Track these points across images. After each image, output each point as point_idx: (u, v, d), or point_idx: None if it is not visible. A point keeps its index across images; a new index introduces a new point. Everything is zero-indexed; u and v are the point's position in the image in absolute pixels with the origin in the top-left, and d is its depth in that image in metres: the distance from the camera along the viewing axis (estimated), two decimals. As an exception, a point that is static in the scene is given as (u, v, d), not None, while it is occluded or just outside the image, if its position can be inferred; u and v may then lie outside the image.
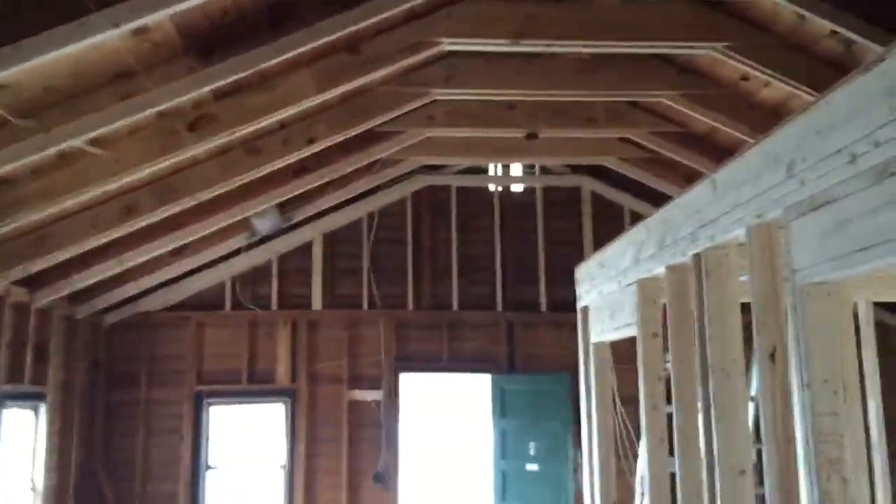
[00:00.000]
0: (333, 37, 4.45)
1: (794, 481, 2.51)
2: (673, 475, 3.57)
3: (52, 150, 4.21)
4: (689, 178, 7.80)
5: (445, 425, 12.53)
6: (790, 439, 2.54)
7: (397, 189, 8.53)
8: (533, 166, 8.82)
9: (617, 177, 8.49)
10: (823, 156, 2.16)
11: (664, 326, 3.68)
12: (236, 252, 8.11)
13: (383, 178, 8.00)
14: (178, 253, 7.30)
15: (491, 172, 8.82)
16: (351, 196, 8.14)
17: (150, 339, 8.13)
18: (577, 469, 7.95)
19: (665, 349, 3.83)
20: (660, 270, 3.61)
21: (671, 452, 3.65)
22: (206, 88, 4.33)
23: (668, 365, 3.84)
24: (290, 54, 4.38)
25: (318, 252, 8.41)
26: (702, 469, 3.18)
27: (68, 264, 6.22)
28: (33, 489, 6.61)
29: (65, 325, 7.10)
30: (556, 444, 8.03)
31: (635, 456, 6.24)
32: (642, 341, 3.80)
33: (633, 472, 6.24)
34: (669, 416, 3.57)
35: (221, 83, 4.38)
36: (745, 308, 3.01)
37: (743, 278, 2.99)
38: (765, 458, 2.61)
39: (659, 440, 3.73)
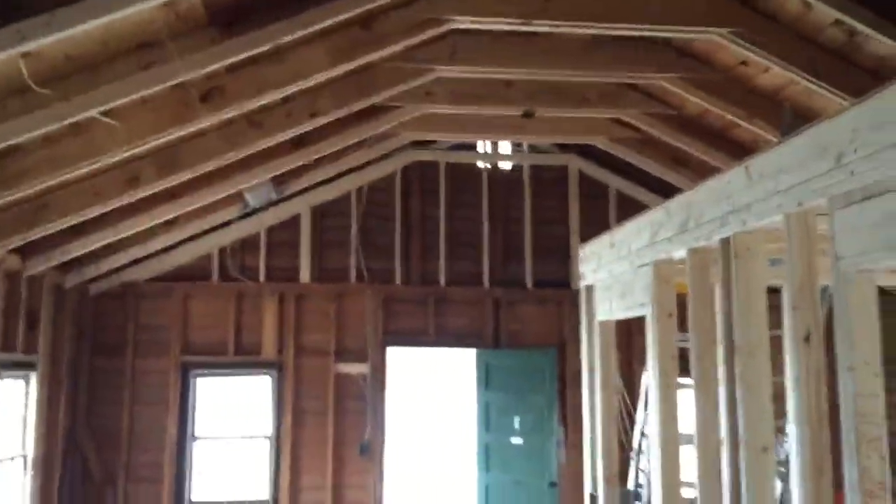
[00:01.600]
0: (352, 13, 4.47)
1: (826, 458, 2.64)
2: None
3: (70, 120, 4.16)
4: (677, 159, 7.96)
5: (431, 399, 12.66)
6: (822, 418, 2.66)
7: (387, 164, 8.54)
8: (521, 144, 8.89)
9: (604, 156, 8.60)
10: (878, 148, 2.26)
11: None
12: (224, 224, 8.07)
13: (374, 152, 8.01)
14: (169, 224, 7.26)
15: (480, 149, 8.87)
16: (341, 170, 8.14)
17: (135, 309, 8.08)
18: (560, 443, 8.13)
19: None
20: (679, 253, 3.71)
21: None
22: (227, 61, 4.31)
23: (681, 344, 3.97)
24: (309, 29, 4.39)
25: (306, 225, 8.41)
26: (720, 446, 3.30)
27: (62, 233, 6.16)
28: (24, 458, 6.58)
29: (54, 294, 7.04)
30: (541, 418, 8.19)
31: (630, 428, 6.42)
32: (657, 321, 3.91)
33: (629, 446, 6.41)
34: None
35: (239, 57, 4.38)
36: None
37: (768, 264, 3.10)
38: (794, 436, 2.73)
39: (671, 417, 3.86)
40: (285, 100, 5.70)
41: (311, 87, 5.60)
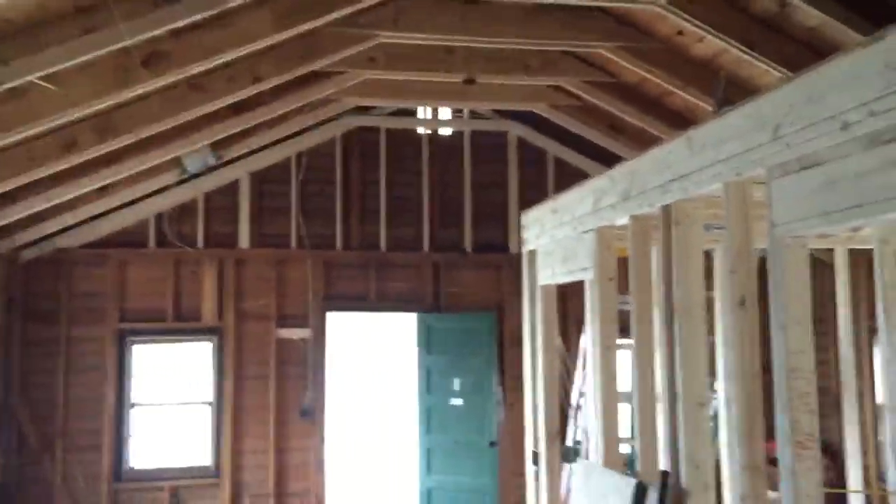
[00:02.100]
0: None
1: (759, 412, 2.83)
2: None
3: (8, 85, 4.06)
4: (614, 126, 8.14)
5: (372, 363, 12.77)
6: (756, 375, 2.84)
7: (327, 129, 8.52)
8: (461, 110, 8.96)
9: (542, 123, 8.73)
10: (813, 121, 2.41)
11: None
12: (161, 190, 7.95)
13: (314, 118, 7.97)
14: (103, 190, 7.12)
15: (420, 115, 8.90)
16: (281, 136, 8.08)
17: (69, 276, 7.93)
18: (499, 404, 8.34)
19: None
20: (621, 219, 3.85)
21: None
22: (171, 26, 4.25)
23: (619, 307, 4.13)
24: (254, -7, 4.36)
25: (245, 191, 8.35)
26: (658, 402, 3.49)
27: (-5, 199, 6.02)
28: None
29: (-15, 262, 6.88)
30: (480, 380, 8.38)
31: (569, 388, 6.65)
32: (599, 285, 4.07)
33: (568, 405, 6.63)
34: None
35: (184, 21, 4.32)
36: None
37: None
38: (729, 392, 2.91)
39: (611, 377, 4.03)
40: (227, 64, 5.63)
41: (253, 52, 5.55)
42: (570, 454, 5.78)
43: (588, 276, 4.25)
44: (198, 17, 4.35)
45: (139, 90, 4.99)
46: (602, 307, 4.05)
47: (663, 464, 3.34)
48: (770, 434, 2.79)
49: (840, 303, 5.01)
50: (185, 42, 4.82)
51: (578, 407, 6.31)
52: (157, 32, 4.35)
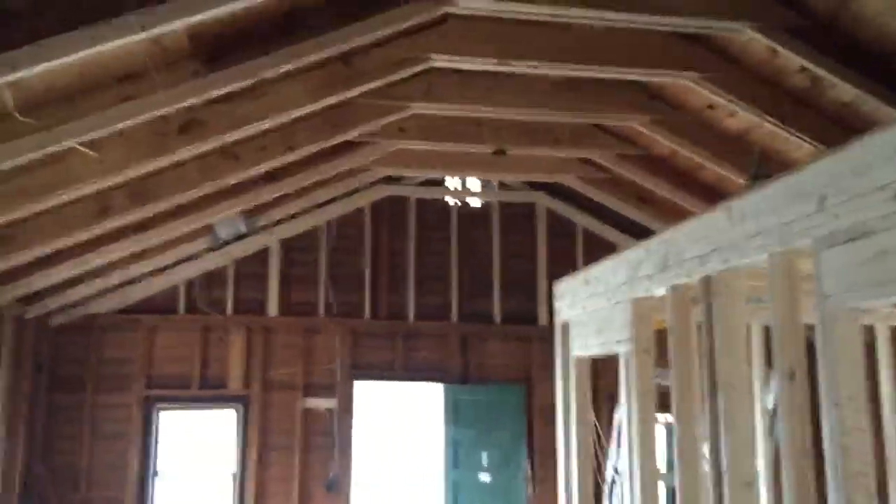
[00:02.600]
0: (335, 50, 4.51)
1: (811, 492, 2.69)
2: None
3: (49, 150, 4.12)
4: (643, 198, 8.11)
5: (398, 434, 12.58)
6: (807, 453, 2.72)
7: (356, 198, 8.57)
8: (490, 181, 8.99)
9: (571, 194, 8.73)
10: (861, 192, 2.35)
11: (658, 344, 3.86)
12: (192, 256, 7.99)
13: (344, 187, 8.03)
14: (135, 256, 7.16)
15: (449, 185, 8.94)
16: (310, 204, 8.13)
17: (98, 342, 7.94)
18: (528, 479, 8.13)
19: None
20: (658, 290, 3.78)
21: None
22: (209, 95, 4.31)
23: (657, 380, 4.02)
24: (291, 65, 4.42)
25: (275, 258, 8.37)
26: (704, 481, 3.35)
27: (27, 264, 6.04)
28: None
29: (15, 327, 6.88)
30: (509, 454, 8.19)
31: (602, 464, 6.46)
32: (634, 357, 3.97)
33: (601, 481, 6.44)
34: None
35: (220, 91, 4.38)
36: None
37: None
38: (783, 469, 2.78)
39: (650, 452, 3.90)
40: (261, 133, 5.70)
41: (287, 122, 5.61)
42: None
43: (623, 349, 4.15)
44: (235, 86, 4.40)
45: (176, 157, 5.03)
46: (639, 381, 3.94)
47: (708, 547, 3.19)
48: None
49: (883, 380, 4.86)
50: (220, 111, 4.88)
51: (613, 483, 6.13)
52: (193, 101, 4.41)
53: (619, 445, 6.13)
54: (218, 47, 4.14)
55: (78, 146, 4.33)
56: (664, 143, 6.53)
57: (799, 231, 2.68)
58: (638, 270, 3.93)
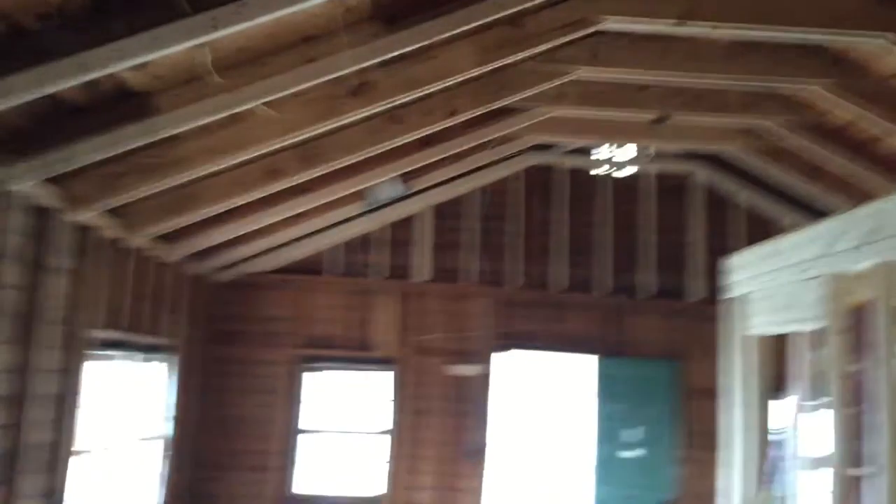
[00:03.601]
0: (508, 11, 4.42)
1: None
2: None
3: (235, 110, 4.24)
4: (811, 171, 7.65)
5: (546, 405, 12.56)
6: None
7: (507, 166, 8.49)
8: (645, 149, 8.70)
9: (731, 166, 8.35)
10: None
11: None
12: (347, 219, 8.15)
13: (498, 153, 7.96)
14: (297, 217, 7.35)
15: (602, 154, 8.72)
16: (462, 171, 8.12)
17: (257, 299, 8.23)
18: (678, 458, 7.91)
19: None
20: (862, 264, 3.52)
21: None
22: (386, 56, 4.32)
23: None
24: (464, 27, 4.36)
25: (427, 224, 8.43)
26: None
27: (204, 221, 6.31)
28: (164, 439, 6.80)
29: (190, 282, 7.24)
30: (659, 432, 7.99)
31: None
32: (831, 337, 3.73)
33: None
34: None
35: (394, 53, 4.38)
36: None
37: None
38: None
39: (849, 439, 3.67)
40: (425, 97, 5.70)
41: (451, 86, 5.58)
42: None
43: (812, 327, 3.91)
44: (411, 48, 4.40)
45: (347, 119, 5.10)
46: (836, 362, 3.70)
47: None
48: None
49: None
50: (392, 74, 4.90)
51: (777, 467, 5.85)
52: (370, 63, 4.43)
53: (794, 429, 5.84)
54: (397, 8, 4.14)
55: (262, 108, 4.44)
56: (841, 112, 6.12)
57: None
58: (837, 243, 3.68)
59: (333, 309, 8.28)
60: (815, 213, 7.80)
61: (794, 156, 7.47)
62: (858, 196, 7.09)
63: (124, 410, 6.14)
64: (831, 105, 6.14)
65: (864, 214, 3.51)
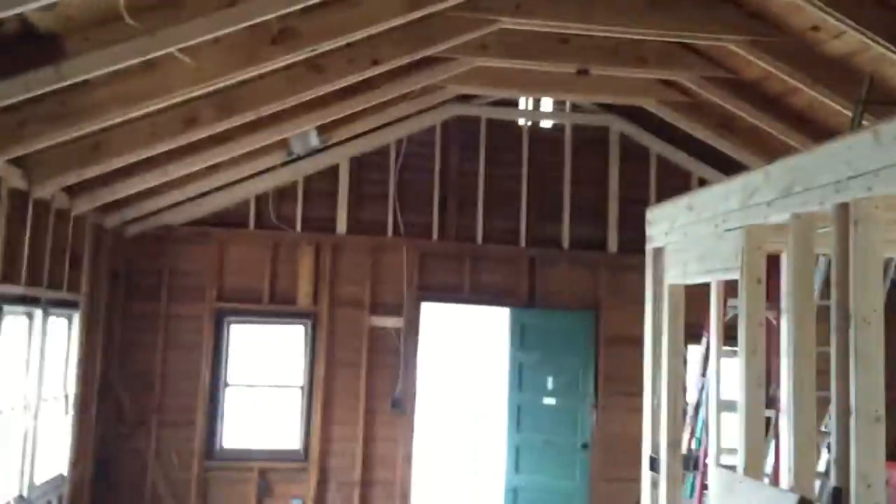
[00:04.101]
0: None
1: None
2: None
3: (151, 55, 4.04)
4: (725, 125, 7.85)
5: (464, 356, 12.69)
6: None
7: (427, 117, 8.41)
8: (563, 103, 8.76)
9: (646, 119, 8.48)
10: None
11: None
12: (264, 171, 7.95)
13: (417, 105, 7.87)
14: (212, 168, 7.13)
15: (521, 107, 8.74)
16: (381, 122, 8.00)
17: (171, 253, 7.99)
18: (593, 406, 8.14)
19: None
20: (777, 217, 3.64)
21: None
22: (311, 1, 4.17)
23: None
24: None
25: (344, 176, 8.30)
26: (822, 416, 3.27)
27: (111, 172, 6.04)
28: (66, 397, 6.55)
29: (95, 235, 6.95)
30: (574, 380, 8.19)
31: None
32: (745, 287, 3.86)
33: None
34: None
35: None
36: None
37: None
38: None
39: (757, 384, 3.83)
40: (348, 45, 5.55)
41: (374, 35, 5.46)
42: (690, 462, 5.57)
43: (729, 277, 4.04)
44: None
45: (268, 67, 4.93)
46: (749, 311, 3.84)
47: (834, 481, 3.12)
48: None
49: None
50: (314, 20, 4.75)
51: (696, 416, 6.10)
52: (291, 9, 4.28)
53: (703, 376, 6.07)
54: (323, -49, 4.00)
55: (177, 53, 4.25)
56: (756, 65, 6.26)
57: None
58: (753, 196, 3.79)
59: (252, 262, 8.11)
60: (732, 166, 8.02)
61: (707, 110, 7.64)
62: (769, 150, 7.32)
63: (28, 368, 5.86)
64: (745, 61, 6.28)
65: (778, 169, 3.62)
